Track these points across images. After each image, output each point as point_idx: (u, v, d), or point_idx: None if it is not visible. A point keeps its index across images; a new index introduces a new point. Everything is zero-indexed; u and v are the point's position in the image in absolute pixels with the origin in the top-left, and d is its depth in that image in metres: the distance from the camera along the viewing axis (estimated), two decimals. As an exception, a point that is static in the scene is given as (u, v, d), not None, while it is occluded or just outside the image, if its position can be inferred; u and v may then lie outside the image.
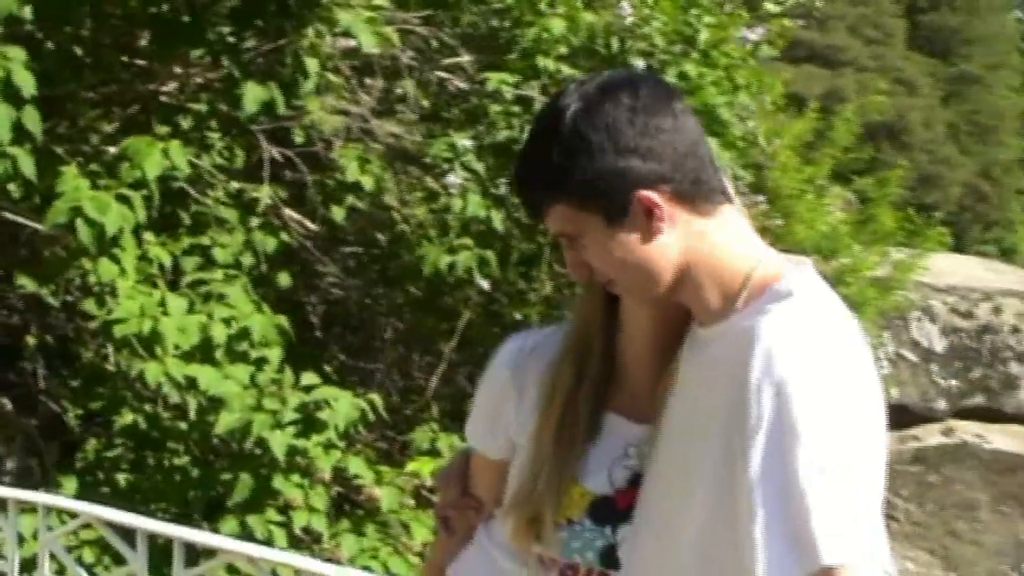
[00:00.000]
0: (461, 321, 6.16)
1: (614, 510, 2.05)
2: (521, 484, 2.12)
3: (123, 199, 4.69)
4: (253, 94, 4.86)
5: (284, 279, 6.06)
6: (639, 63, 5.50)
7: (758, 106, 6.14)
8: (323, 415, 4.84)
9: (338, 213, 6.00)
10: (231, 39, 5.14)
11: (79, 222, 4.63)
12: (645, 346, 2.05)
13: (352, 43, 5.24)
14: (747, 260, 1.86)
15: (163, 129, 5.11)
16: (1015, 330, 12.66)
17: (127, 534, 4.07)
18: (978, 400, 12.58)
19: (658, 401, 2.01)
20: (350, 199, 6.06)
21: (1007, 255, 27.50)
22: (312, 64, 4.88)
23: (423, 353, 7.28)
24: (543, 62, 5.69)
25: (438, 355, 7.02)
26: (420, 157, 6.25)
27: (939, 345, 12.53)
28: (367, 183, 5.84)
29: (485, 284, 5.75)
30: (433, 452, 5.97)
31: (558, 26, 5.66)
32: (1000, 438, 12.46)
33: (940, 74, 28.67)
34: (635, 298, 1.95)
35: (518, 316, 6.69)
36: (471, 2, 5.92)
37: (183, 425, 5.44)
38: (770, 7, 5.95)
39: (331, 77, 5.16)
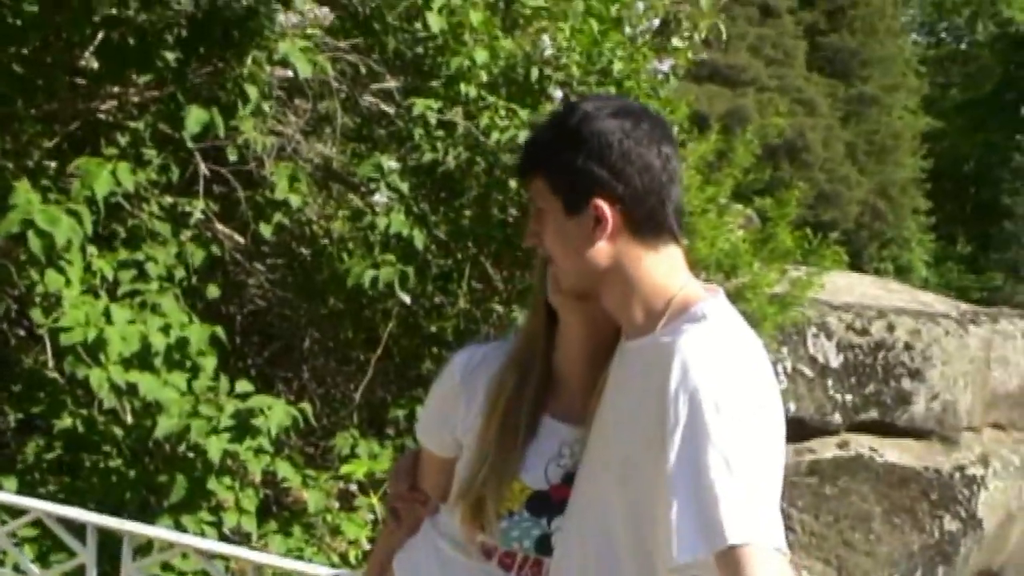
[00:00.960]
0: (383, 333, 6.41)
1: (549, 503, 2.36)
2: (467, 478, 2.42)
3: (72, 213, 4.95)
4: (195, 116, 5.14)
5: (212, 291, 6.30)
6: (557, 93, 5.85)
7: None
8: (257, 421, 5.11)
9: (266, 229, 6.23)
10: (176, 64, 5.40)
11: (30, 234, 4.88)
12: (579, 358, 2.38)
13: (287, 71, 5.50)
14: (671, 287, 2.20)
15: (111, 150, 5.35)
16: (908, 347, 12.96)
17: (76, 530, 4.34)
18: (872, 415, 12.88)
19: (589, 406, 2.36)
20: (278, 215, 6.30)
21: (902, 273, 28.22)
22: (252, 91, 5.16)
23: (340, 363, 7.53)
24: (466, 89, 6.02)
25: (355, 365, 7.30)
26: (347, 176, 6.54)
27: (835, 361, 12.82)
28: (295, 200, 6.09)
29: (406, 298, 6.02)
30: (354, 457, 6.25)
31: (481, 56, 5.99)
32: (893, 452, 12.79)
33: (839, 95, 29.23)
34: (561, 284, 2.27)
35: (434, 329, 6.98)
36: (396, 31, 6.20)
37: (118, 430, 5.68)
38: (677, 43, 6.30)
39: (264, 105, 5.41)
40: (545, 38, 5.90)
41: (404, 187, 5.93)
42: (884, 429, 12.95)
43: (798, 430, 11.96)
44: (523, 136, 5.69)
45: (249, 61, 5.17)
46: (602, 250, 2.19)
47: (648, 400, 2.10)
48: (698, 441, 1.98)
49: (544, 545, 2.38)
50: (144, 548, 4.61)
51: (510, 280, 6.36)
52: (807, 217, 16.84)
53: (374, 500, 5.50)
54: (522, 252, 6.39)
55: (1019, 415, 14.35)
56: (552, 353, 2.43)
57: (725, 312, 2.18)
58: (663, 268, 2.21)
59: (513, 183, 5.90)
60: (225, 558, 4.16)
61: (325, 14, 5.21)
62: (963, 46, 38.75)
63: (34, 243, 4.88)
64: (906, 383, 12.97)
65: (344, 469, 5.63)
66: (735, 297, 7.82)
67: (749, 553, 1.91)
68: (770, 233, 11.18)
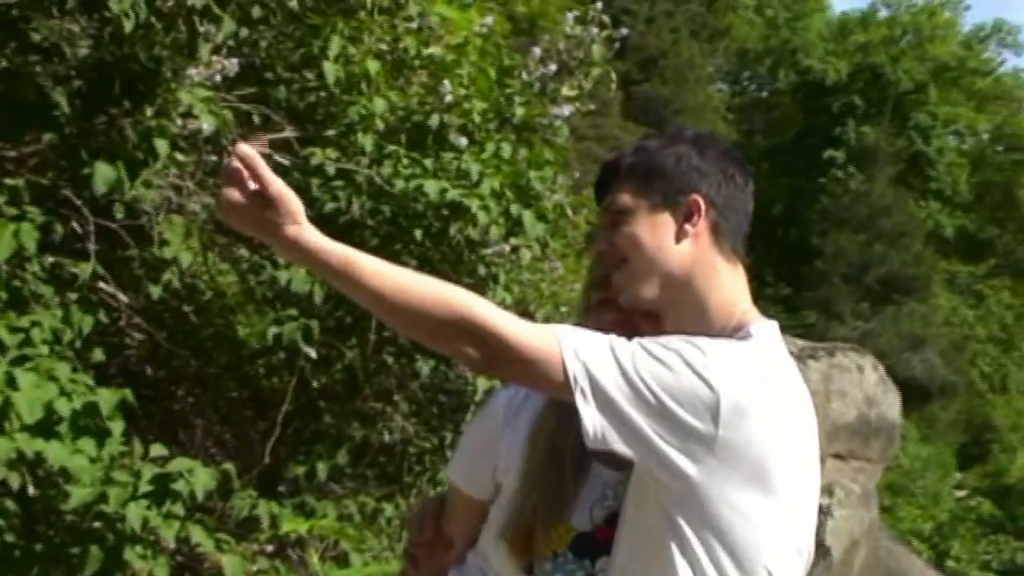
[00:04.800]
0: (282, 388, 6.26)
1: (594, 544, 2.33)
2: (511, 517, 2.38)
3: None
4: (103, 174, 4.91)
5: (98, 354, 6.04)
6: (461, 140, 5.82)
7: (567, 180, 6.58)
8: (177, 486, 4.90)
9: (155, 290, 6.02)
10: (75, 118, 5.17)
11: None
12: None
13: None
14: (738, 305, 2.22)
15: (12, 210, 5.09)
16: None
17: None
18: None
19: None
20: (168, 274, 6.10)
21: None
22: (162, 145, 4.98)
23: (225, 422, 7.32)
24: (363, 139, 5.94)
25: (246, 424, 7.10)
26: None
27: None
28: (186, 259, 5.90)
29: (312, 352, 5.89)
30: (254, 520, 6.06)
31: (379, 104, 5.93)
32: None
33: (654, 143, 29.99)
34: (628, 294, 2.26)
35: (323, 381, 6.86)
36: (289, 81, 6.10)
37: (10, 503, 5.37)
38: (566, 92, 6.35)
39: (178, 156, 5.24)
40: (446, 83, 5.87)
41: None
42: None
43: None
44: (429, 185, 5.64)
45: (155, 114, 4.97)
46: (684, 250, 2.22)
47: None
48: None
49: None
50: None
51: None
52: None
53: (314, 558, 5.32)
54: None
55: (857, 444, 14.82)
56: None
57: (770, 335, 2.20)
58: (736, 286, 2.25)
59: (418, 233, 5.82)
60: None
61: (233, 65, 5.07)
62: (765, 94, 40.19)
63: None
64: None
65: (287, 526, 5.44)
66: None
67: None
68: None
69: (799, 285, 33.16)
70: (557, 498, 2.36)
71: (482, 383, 6.07)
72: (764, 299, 33.31)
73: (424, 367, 6.24)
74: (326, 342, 6.67)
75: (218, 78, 5.06)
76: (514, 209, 5.73)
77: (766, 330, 2.21)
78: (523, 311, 6.39)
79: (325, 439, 6.51)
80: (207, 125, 5.14)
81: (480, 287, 5.93)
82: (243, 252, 6.40)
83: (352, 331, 6.35)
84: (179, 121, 5.03)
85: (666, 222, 2.22)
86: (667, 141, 2.29)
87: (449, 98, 5.85)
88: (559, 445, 2.38)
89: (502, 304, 5.80)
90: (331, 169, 5.90)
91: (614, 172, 2.30)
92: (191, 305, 6.77)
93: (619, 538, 2.27)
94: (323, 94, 6.10)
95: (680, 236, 2.22)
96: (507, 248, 5.69)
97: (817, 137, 35.87)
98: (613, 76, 6.43)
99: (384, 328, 6.26)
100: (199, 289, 6.65)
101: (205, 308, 6.73)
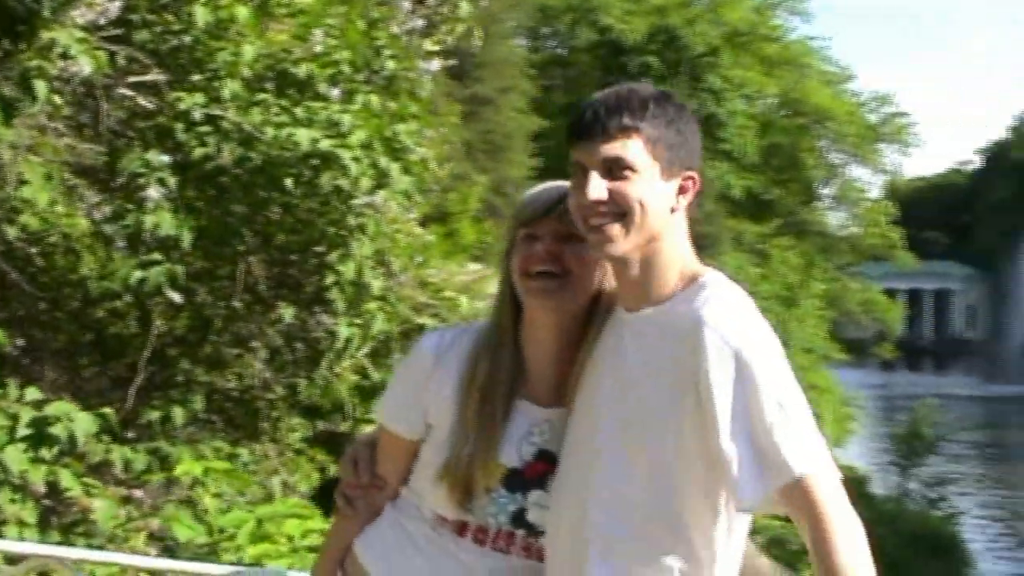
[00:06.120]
0: (150, 337, 6.21)
1: (524, 479, 2.53)
2: (448, 459, 2.54)
3: None
4: (-22, 116, 4.81)
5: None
6: (334, 91, 5.85)
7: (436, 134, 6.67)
8: (55, 430, 4.86)
9: (11, 231, 5.91)
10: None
11: None
12: (549, 343, 2.55)
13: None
14: (689, 258, 2.42)
15: None
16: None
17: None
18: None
19: (572, 384, 2.51)
20: (25, 216, 5.99)
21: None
22: (40, 86, 4.88)
23: (75, 368, 7.20)
24: (232, 85, 5.91)
25: (96, 369, 7.02)
26: (100, 172, 6.26)
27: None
28: (42, 200, 5.80)
29: (177, 297, 5.87)
30: (108, 464, 6.03)
31: (248, 51, 5.90)
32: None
33: (458, 95, 30.02)
34: (617, 242, 2.34)
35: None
36: (156, 24, 6.01)
37: None
38: (429, 46, 6.43)
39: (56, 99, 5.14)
40: (317, 33, 5.89)
41: (173, 183, 5.75)
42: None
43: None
44: (301, 134, 5.67)
45: (33, 55, 4.87)
46: (670, 218, 2.37)
47: (670, 361, 2.31)
48: (749, 391, 2.21)
49: (519, 518, 2.54)
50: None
51: (279, 278, 6.31)
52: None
53: (206, 499, 5.33)
54: (285, 251, 6.39)
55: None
56: (519, 338, 2.56)
57: (725, 282, 2.39)
58: (688, 242, 2.42)
59: (289, 181, 5.84)
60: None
61: (115, 7, 4.99)
62: (564, 51, 40.53)
63: None
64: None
65: (181, 468, 5.43)
66: (428, 290, 8.01)
67: (816, 482, 2.16)
68: (454, 228, 11.50)
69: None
70: (490, 438, 2.52)
71: (344, 331, 6.16)
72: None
73: (286, 314, 6.28)
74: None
75: (102, 20, 4.97)
76: (383, 162, 5.80)
77: (720, 277, 2.40)
78: (380, 260, 6.48)
79: (180, 385, 6.49)
80: (87, 67, 5.07)
81: (349, 238, 6.01)
82: (100, 196, 6.32)
83: (211, 277, 6.34)
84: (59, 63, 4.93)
85: (666, 190, 2.35)
86: (680, 110, 2.39)
87: (320, 47, 5.86)
88: (490, 387, 2.54)
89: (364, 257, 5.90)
90: (198, 114, 5.85)
91: (621, 119, 2.32)
92: (41, 247, 6.66)
93: (568, 469, 2.46)
94: (188, 38, 6.03)
95: (674, 207, 2.37)
96: (378, 199, 5.76)
97: (615, 96, 36.38)
98: (477, 33, 6.51)
99: (248, 273, 6.29)
100: (52, 231, 6.53)
101: (53, 250, 6.62)
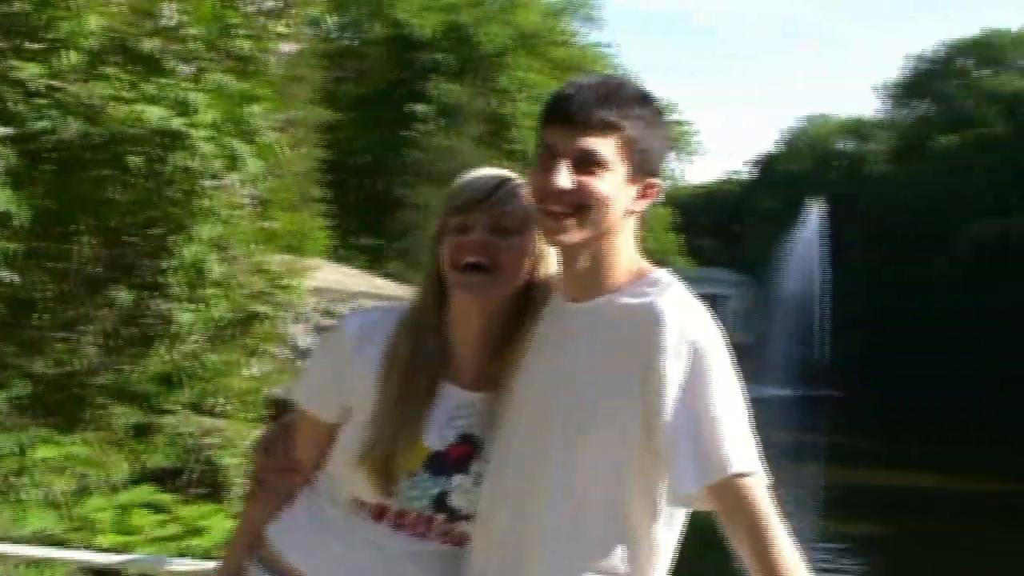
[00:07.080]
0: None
1: (447, 462, 2.50)
2: (367, 441, 2.49)
3: None
4: None
5: None
6: (184, 68, 5.65)
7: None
8: None
9: None
10: None
11: None
12: (475, 328, 2.53)
13: None
14: (636, 255, 2.44)
15: None
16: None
17: None
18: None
19: (503, 371, 2.50)
20: None
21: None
22: None
23: None
24: (73, 56, 5.65)
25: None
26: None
27: (304, 342, 13.10)
28: None
29: (16, 277, 5.58)
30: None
31: (94, 22, 5.65)
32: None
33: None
34: (572, 233, 2.32)
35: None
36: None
37: None
38: (281, 29, 6.28)
39: None
40: (165, 7, 5.67)
41: (12, 157, 5.46)
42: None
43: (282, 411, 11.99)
44: (151, 111, 5.46)
45: None
46: (625, 219, 2.36)
47: (620, 351, 2.31)
48: (700, 384, 2.23)
49: (440, 502, 2.50)
50: None
51: (114, 259, 6.05)
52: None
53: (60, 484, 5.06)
54: (122, 232, 6.15)
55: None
56: (444, 320, 2.53)
57: (673, 279, 2.42)
58: (635, 241, 2.43)
59: (135, 159, 5.61)
60: None
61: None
62: (356, 43, 40.26)
63: None
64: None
65: (41, 453, 5.13)
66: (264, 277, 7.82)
67: (753, 483, 2.19)
68: (268, 215, 11.22)
69: (384, 235, 33.52)
70: (413, 419, 2.47)
71: (187, 317, 5.96)
72: (349, 248, 33.51)
73: (121, 296, 6.02)
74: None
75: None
76: (235, 144, 5.63)
77: (668, 275, 2.41)
78: (219, 245, 6.30)
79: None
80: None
81: (192, 220, 5.81)
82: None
83: (42, 256, 6.04)
84: None
85: (629, 192, 2.35)
86: (658, 114, 2.39)
87: (171, 22, 5.66)
88: (413, 370, 2.50)
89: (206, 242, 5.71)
90: (36, 85, 5.57)
91: (606, 114, 2.29)
92: None
93: (501, 457, 2.44)
94: (27, 4, 5.74)
95: (632, 209, 2.36)
96: (229, 182, 5.59)
97: (406, 90, 36.29)
98: (328, 17, 6.39)
99: (83, 254, 6.02)
100: None
101: None
